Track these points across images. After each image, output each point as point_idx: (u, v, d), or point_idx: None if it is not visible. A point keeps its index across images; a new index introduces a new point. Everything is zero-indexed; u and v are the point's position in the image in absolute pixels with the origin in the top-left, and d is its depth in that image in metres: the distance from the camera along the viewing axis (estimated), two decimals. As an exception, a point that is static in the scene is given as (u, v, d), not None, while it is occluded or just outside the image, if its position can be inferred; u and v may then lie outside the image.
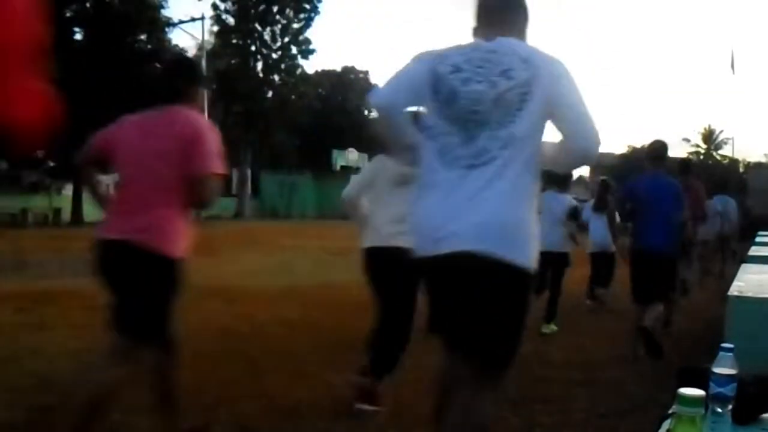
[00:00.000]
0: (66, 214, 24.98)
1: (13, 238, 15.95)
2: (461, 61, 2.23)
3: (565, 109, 2.17)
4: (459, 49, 2.28)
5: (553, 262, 6.20)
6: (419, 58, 2.31)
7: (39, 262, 11.03)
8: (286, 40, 36.05)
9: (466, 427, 2.12)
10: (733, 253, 10.77)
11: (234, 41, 35.69)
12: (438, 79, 2.22)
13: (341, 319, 6.30)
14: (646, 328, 4.99)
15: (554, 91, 2.15)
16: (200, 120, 3.05)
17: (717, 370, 1.49)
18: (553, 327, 6.23)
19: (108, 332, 2.90)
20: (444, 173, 2.17)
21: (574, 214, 6.83)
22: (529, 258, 2.13)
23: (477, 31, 2.36)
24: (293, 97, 36.62)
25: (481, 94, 2.16)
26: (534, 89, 2.13)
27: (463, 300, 2.13)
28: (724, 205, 10.67)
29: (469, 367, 2.16)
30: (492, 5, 2.35)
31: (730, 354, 1.51)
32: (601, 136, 2.17)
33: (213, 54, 37.78)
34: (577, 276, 7.84)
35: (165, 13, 27.90)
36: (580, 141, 2.19)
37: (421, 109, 2.34)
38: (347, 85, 44.29)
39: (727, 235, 10.77)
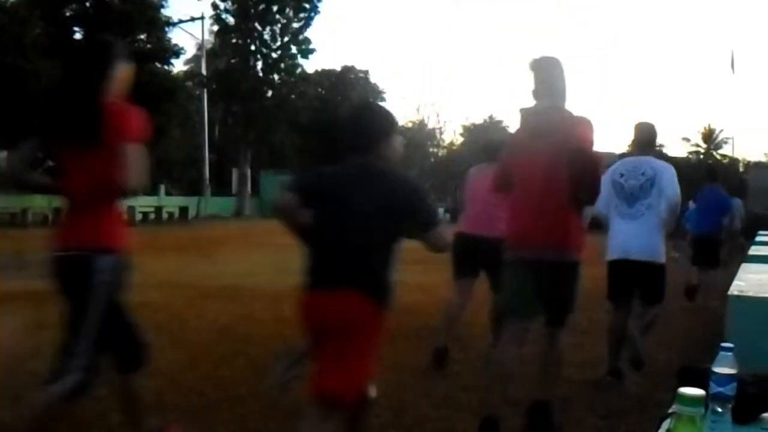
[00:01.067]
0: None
1: (13, 237, 15.96)
2: (623, 170, 4.70)
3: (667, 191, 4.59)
4: (622, 163, 4.83)
5: None
6: (605, 175, 4.45)
7: (39, 262, 10.98)
8: (286, 39, 36.04)
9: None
10: (741, 246, 11.50)
11: (234, 41, 35.70)
12: (614, 181, 4.66)
13: (341, 319, 6.29)
14: (695, 286, 8.71)
15: (663, 183, 4.56)
16: None
17: (717, 369, 1.49)
18: None
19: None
20: (620, 221, 4.64)
21: None
22: (662, 258, 4.64)
23: (634, 149, 4.98)
24: (293, 96, 36.63)
25: (634, 185, 4.62)
26: (656, 181, 4.56)
27: (634, 278, 4.60)
28: (737, 204, 11.83)
29: (642, 305, 4.75)
30: (642, 140, 4.84)
31: (730, 353, 1.51)
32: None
33: (213, 53, 37.81)
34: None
35: (165, 12, 27.98)
36: (671, 203, 4.58)
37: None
38: (347, 84, 44.28)
39: (736, 231, 11.84)
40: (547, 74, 3.48)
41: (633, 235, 4.53)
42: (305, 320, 2.59)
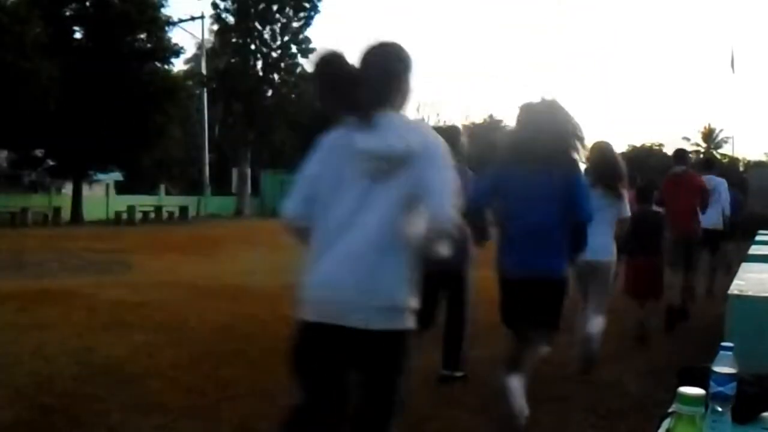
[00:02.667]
0: (66, 213, 24.94)
1: (13, 237, 15.96)
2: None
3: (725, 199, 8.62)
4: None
5: None
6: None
7: (39, 261, 11.02)
8: (286, 38, 35.99)
9: None
10: None
11: (234, 40, 35.63)
12: None
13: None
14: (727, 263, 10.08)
15: (723, 193, 8.79)
16: None
17: (717, 369, 1.49)
18: None
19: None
20: None
21: None
22: (720, 227, 8.65)
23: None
24: (293, 95, 36.56)
25: None
26: (716, 190, 8.30)
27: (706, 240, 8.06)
28: None
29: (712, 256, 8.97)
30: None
31: (730, 353, 1.51)
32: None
33: (213, 53, 37.75)
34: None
35: (165, 11, 27.85)
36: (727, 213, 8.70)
37: None
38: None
39: None
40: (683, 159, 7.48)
41: (705, 216, 7.29)
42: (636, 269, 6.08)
